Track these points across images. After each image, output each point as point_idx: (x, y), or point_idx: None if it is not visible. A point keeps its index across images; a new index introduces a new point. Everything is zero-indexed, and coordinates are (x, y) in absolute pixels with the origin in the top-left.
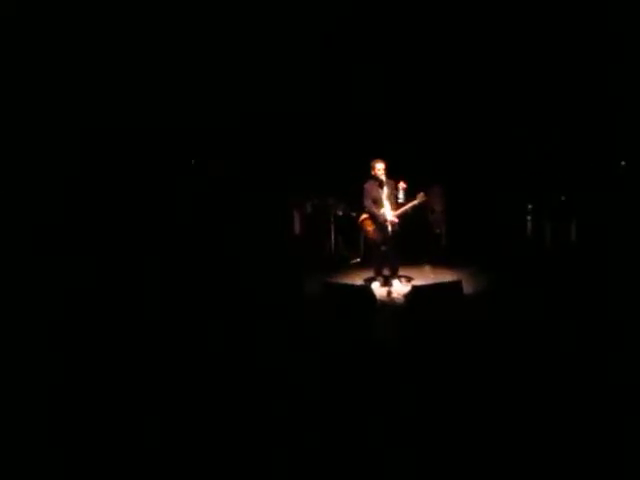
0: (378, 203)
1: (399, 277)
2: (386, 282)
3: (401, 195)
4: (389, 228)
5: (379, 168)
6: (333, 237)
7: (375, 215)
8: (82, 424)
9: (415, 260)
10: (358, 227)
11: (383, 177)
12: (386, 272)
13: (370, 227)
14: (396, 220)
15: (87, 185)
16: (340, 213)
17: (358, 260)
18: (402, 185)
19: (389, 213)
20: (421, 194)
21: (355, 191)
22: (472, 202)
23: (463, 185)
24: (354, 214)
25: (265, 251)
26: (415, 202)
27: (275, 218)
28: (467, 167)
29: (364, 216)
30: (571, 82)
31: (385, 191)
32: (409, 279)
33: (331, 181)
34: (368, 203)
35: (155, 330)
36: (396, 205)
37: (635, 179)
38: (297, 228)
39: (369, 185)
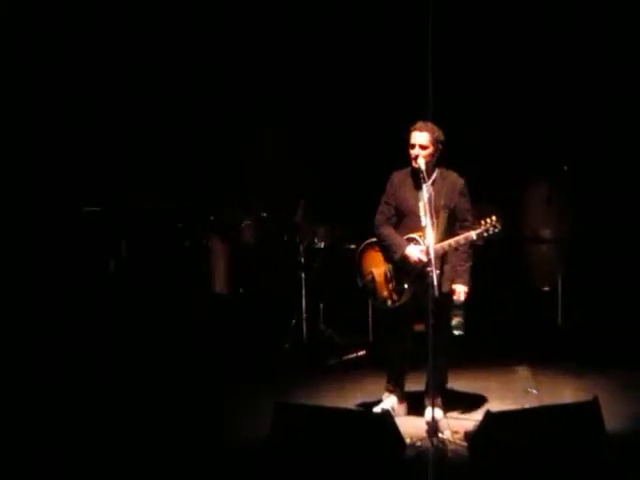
0: (411, 221)
1: (448, 393)
2: (424, 405)
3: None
4: (434, 277)
5: (419, 141)
6: (304, 300)
7: (401, 248)
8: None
9: (492, 354)
10: (362, 275)
11: (422, 164)
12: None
13: (388, 275)
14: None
15: None
16: (320, 244)
17: (362, 353)
18: (460, 184)
19: (432, 243)
20: (492, 219)
21: (351, 195)
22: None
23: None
24: (352, 246)
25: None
26: (488, 227)
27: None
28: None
29: (374, 247)
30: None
31: (426, 196)
32: (475, 401)
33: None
34: (385, 217)
35: None
36: (448, 228)
37: None
38: (219, 280)
39: (397, 179)
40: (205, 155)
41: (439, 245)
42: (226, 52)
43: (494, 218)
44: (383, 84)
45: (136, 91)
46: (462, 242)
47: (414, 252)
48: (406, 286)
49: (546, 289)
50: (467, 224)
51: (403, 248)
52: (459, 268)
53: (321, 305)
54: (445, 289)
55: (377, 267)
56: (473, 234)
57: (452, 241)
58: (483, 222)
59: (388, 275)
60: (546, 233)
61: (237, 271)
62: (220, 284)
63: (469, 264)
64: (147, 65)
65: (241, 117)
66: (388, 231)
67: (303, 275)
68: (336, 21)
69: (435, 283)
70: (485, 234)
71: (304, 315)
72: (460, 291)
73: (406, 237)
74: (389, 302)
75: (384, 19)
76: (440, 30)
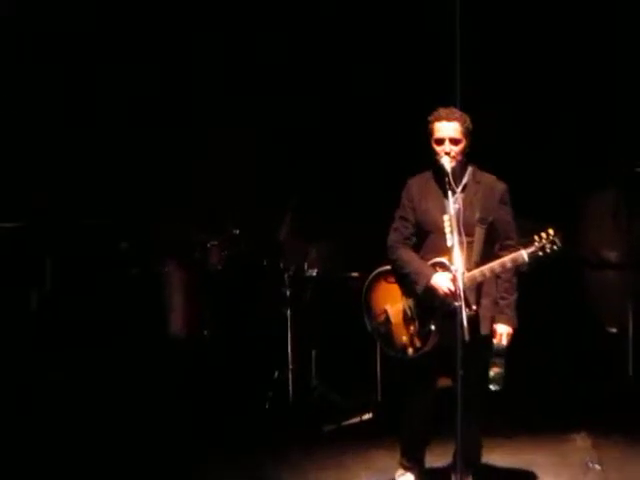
0: (437, 241)
1: (483, 470)
2: None
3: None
4: (464, 315)
5: (449, 134)
6: (291, 345)
7: (425, 277)
8: None
9: (541, 417)
10: (371, 315)
11: (448, 165)
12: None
13: (409, 313)
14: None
15: None
16: (311, 272)
17: (367, 417)
18: (501, 191)
19: (461, 268)
20: (550, 234)
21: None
22: None
23: None
24: (356, 274)
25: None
26: (544, 245)
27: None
28: None
29: (388, 278)
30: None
31: (454, 207)
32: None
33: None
34: (402, 237)
35: None
36: (486, 249)
37: None
38: (177, 319)
39: (415, 187)
40: (156, 155)
41: (477, 271)
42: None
43: (552, 232)
44: (392, 67)
45: (67, 86)
46: (508, 266)
47: (443, 282)
48: (433, 328)
49: (613, 330)
50: (510, 243)
51: (428, 277)
52: (501, 302)
53: (313, 352)
54: (484, 331)
55: (393, 304)
56: (524, 254)
57: (496, 265)
58: (537, 238)
59: (408, 314)
60: (612, 256)
61: (201, 307)
62: (178, 324)
63: (514, 297)
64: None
65: (208, 110)
66: (407, 255)
67: (289, 312)
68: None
69: (465, 323)
70: (541, 253)
71: (290, 366)
72: (502, 333)
73: (431, 262)
74: (410, 350)
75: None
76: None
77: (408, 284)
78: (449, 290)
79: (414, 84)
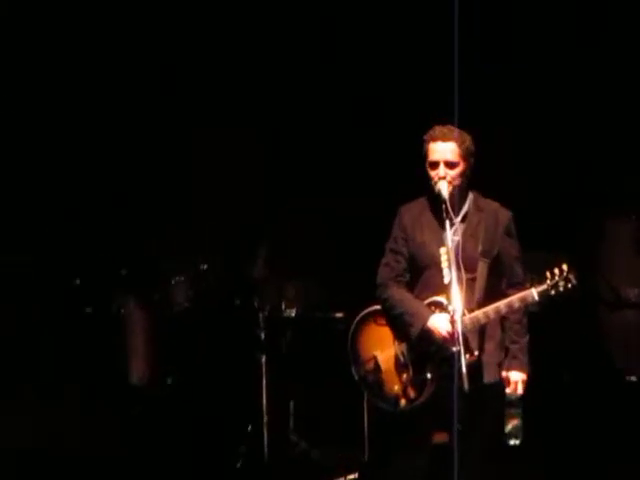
0: (434, 278)
1: None
2: None
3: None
4: (463, 362)
5: (444, 157)
6: (266, 395)
7: (420, 319)
8: None
9: (555, 475)
10: (358, 362)
11: (446, 191)
12: None
13: (402, 360)
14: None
15: None
16: (289, 312)
17: (352, 478)
18: (506, 220)
19: (459, 308)
20: (564, 270)
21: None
22: None
23: None
24: (339, 315)
25: None
26: (557, 282)
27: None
28: None
29: (378, 320)
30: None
31: (453, 238)
32: None
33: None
34: (393, 274)
35: None
36: (490, 286)
37: None
38: (137, 365)
39: (408, 216)
40: (112, 174)
41: (480, 312)
42: None
43: (565, 268)
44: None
45: None
46: (517, 306)
47: (442, 323)
48: (429, 376)
49: (632, 379)
50: (517, 280)
51: (424, 318)
52: (513, 347)
53: (291, 404)
54: (489, 378)
55: (383, 349)
56: (534, 293)
57: (502, 305)
58: (549, 274)
59: (401, 360)
60: (632, 294)
61: (164, 352)
62: (138, 371)
63: (526, 340)
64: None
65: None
66: (400, 294)
67: (264, 358)
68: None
69: (465, 371)
70: (553, 292)
71: (265, 418)
72: (517, 380)
73: (427, 302)
74: (402, 402)
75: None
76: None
77: (401, 327)
78: (448, 334)
79: (408, 105)
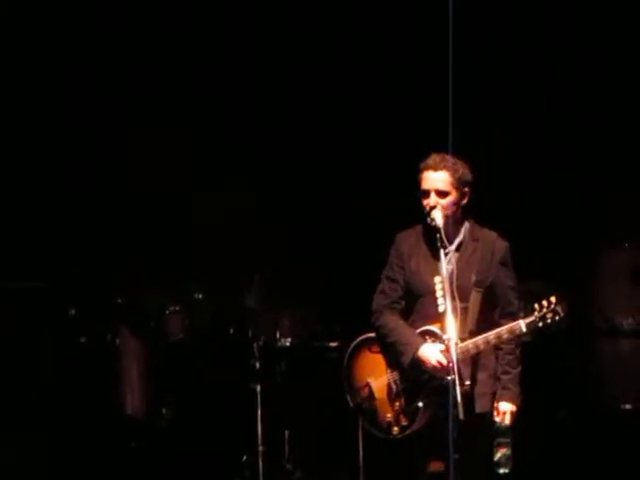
0: (427, 306)
1: None
2: None
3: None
4: (458, 391)
5: (434, 186)
6: (261, 425)
7: (412, 347)
8: None
9: None
10: (353, 390)
11: (440, 219)
12: None
13: (394, 388)
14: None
15: None
16: (284, 341)
17: None
18: (501, 250)
19: (454, 337)
20: (552, 302)
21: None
22: None
23: None
24: (334, 344)
25: None
26: (545, 314)
27: None
28: None
29: (372, 347)
30: None
31: (447, 268)
32: None
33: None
34: (388, 301)
35: None
36: (483, 316)
37: None
38: (132, 396)
39: (404, 244)
40: (106, 201)
41: (470, 342)
42: None
43: (554, 300)
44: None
45: None
46: (505, 337)
47: (432, 353)
48: (421, 404)
49: (627, 407)
50: (511, 310)
51: (416, 347)
52: (503, 377)
53: (286, 433)
54: (481, 408)
55: (377, 377)
56: (522, 325)
57: (491, 336)
58: (538, 306)
59: (394, 388)
60: (628, 323)
61: (159, 382)
62: (133, 402)
63: (517, 370)
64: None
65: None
66: (393, 322)
67: (259, 387)
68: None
69: (459, 399)
70: (541, 324)
71: (260, 448)
72: (506, 411)
73: (420, 330)
74: (395, 429)
75: None
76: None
77: (393, 355)
78: (439, 363)
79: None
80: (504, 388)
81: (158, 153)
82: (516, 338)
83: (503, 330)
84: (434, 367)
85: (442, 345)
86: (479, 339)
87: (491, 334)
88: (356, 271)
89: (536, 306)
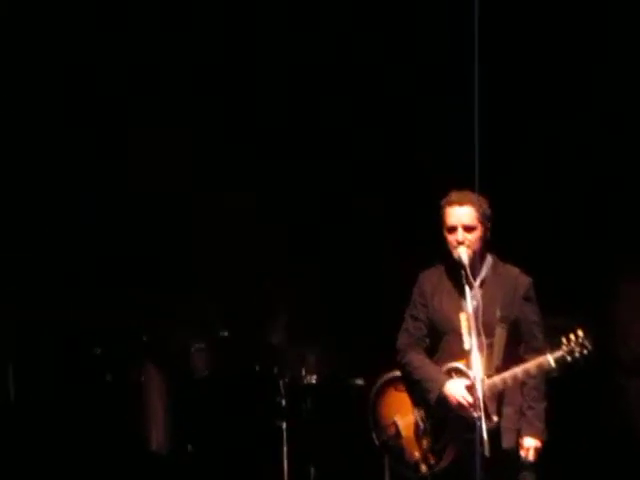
0: (453, 344)
1: None
2: None
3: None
4: (484, 428)
5: (462, 221)
6: (287, 462)
7: (438, 384)
8: None
9: None
10: (379, 428)
11: (466, 256)
12: None
13: (421, 426)
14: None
15: None
16: (310, 378)
17: None
18: (525, 285)
19: (479, 374)
20: (579, 336)
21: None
22: None
23: None
24: (360, 382)
25: None
26: (573, 349)
27: None
28: None
29: (398, 386)
30: None
31: (472, 304)
32: None
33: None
34: (413, 339)
35: None
36: (508, 352)
37: None
38: (157, 432)
39: (428, 282)
40: (128, 238)
41: (497, 378)
42: None
43: (581, 333)
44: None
45: None
46: (533, 373)
47: (458, 390)
48: (448, 442)
49: None
50: (536, 345)
51: (441, 384)
52: (528, 413)
53: (312, 470)
54: (507, 444)
55: (403, 415)
56: (551, 360)
57: (518, 372)
58: (565, 340)
59: (421, 427)
60: None
61: (184, 419)
62: (158, 438)
63: (543, 406)
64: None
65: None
66: (418, 360)
67: (284, 425)
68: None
69: (485, 436)
70: (569, 358)
71: None
72: (530, 447)
73: (446, 368)
74: (423, 468)
75: None
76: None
77: (419, 393)
78: (464, 399)
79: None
80: (529, 424)
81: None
82: (543, 374)
83: (531, 366)
84: (460, 404)
85: (468, 381)
86: (506, 375)
87: (519, 370)
88: (381, 307)
89: (563, 340)
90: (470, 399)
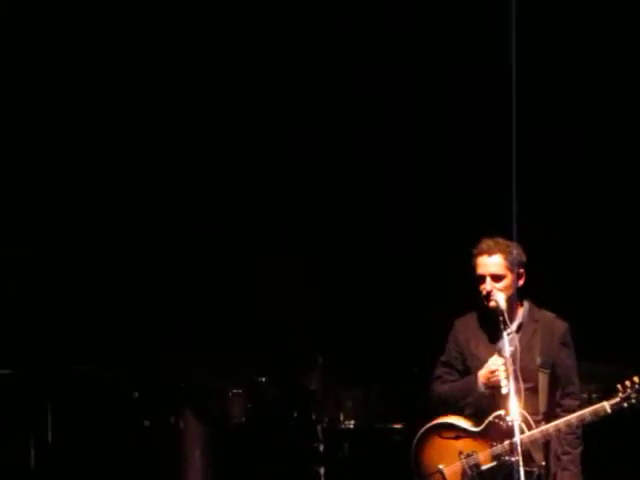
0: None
1: None
2: None
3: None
4: (522, 474)
5: (489, 270)
6: None
7: (474, 379)
8: None
9: None
10: (422, 477)
11: (503, 302)
12: None
13: (469, 473)
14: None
15: None
16: (348, 423)
17: None
18: (561, 330)
19: (517, 419)
20: (635, 382)
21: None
22: None
23: None
24: (398, 426)
25: None
26: (630, 395)
27: None
28: None
29: (442, 433)
30: None
31: (509, 349)
32: None
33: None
34: (450, 386)
35: None
36: (552, 399)
37: None
38: (194, 477)
39: (462, 329)
40: (168, 288)
41: (537, 432)
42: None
43: (637, 380)
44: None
45: None
46: (589, 419)
47: (493, 363)
48: None
49: None
50: (573, 390)
51: (475, 375)
52: (564, 457)
53: None
54: None
55: (448, 463)
56: (607, 406)
57: (573, 419)
58: (621, 387)
59: (469, 474)
60: None
61: (221, 464)
62: None
63: (578, 450)
64: None
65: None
66: (447, 385)
67: (323, 470)
68: None
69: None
70: (625, 404)
71: None
72: None
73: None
74: None
75: None
76: None
77: (463, 399)
78: (495, 365)
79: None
80: (564, 469)
81: None
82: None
83: (587, 412)
84: (491, 372)
85: (501, 359)
86: (561, 422)
87: (574, 417)
88: (418, 351)
89: (619, 387)
90: (500, 362)
